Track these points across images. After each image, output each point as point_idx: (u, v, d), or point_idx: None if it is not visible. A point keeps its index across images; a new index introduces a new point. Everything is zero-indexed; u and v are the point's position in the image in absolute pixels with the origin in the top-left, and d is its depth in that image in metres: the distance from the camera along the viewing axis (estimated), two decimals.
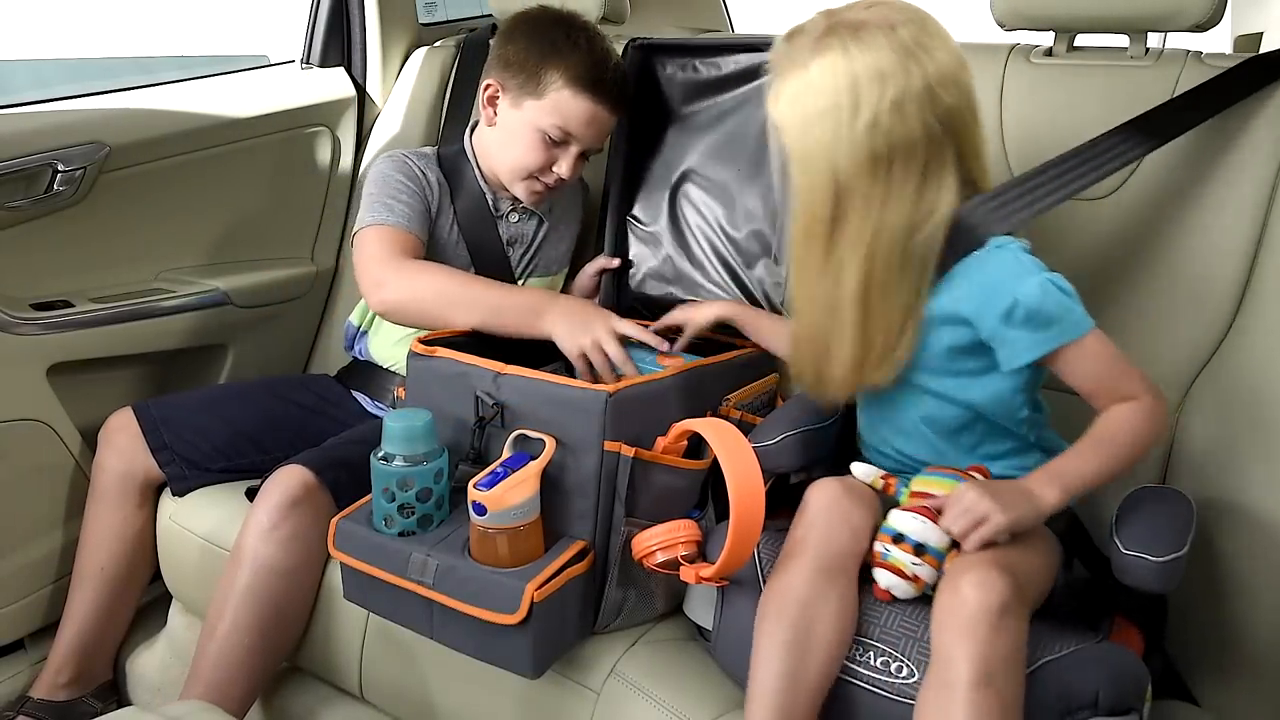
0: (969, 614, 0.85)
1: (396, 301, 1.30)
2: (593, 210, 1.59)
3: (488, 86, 1.41)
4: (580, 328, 1.22)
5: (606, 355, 1.21)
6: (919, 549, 0.96)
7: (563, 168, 1.39)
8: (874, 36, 0.94)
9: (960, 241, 0.98)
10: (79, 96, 1.56)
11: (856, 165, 0.95)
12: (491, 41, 1.47)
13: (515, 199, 1.45)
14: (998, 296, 0.95)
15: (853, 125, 0.94)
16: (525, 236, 1.48)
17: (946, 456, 1.06)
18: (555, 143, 1.37)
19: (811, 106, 0.96)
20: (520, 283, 1.47)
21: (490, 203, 1.45)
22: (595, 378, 1.22)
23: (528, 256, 1.49)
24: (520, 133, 1.38)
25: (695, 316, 1.31)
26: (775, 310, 1.39)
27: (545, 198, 1.44)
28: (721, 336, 1.32)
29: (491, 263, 1.44)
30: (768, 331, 1.30)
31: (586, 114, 1.36)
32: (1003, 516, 0.91)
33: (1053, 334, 0.95)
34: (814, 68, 0.96)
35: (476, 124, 1.49)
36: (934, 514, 0.96)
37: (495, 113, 1.41)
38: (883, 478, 1.03)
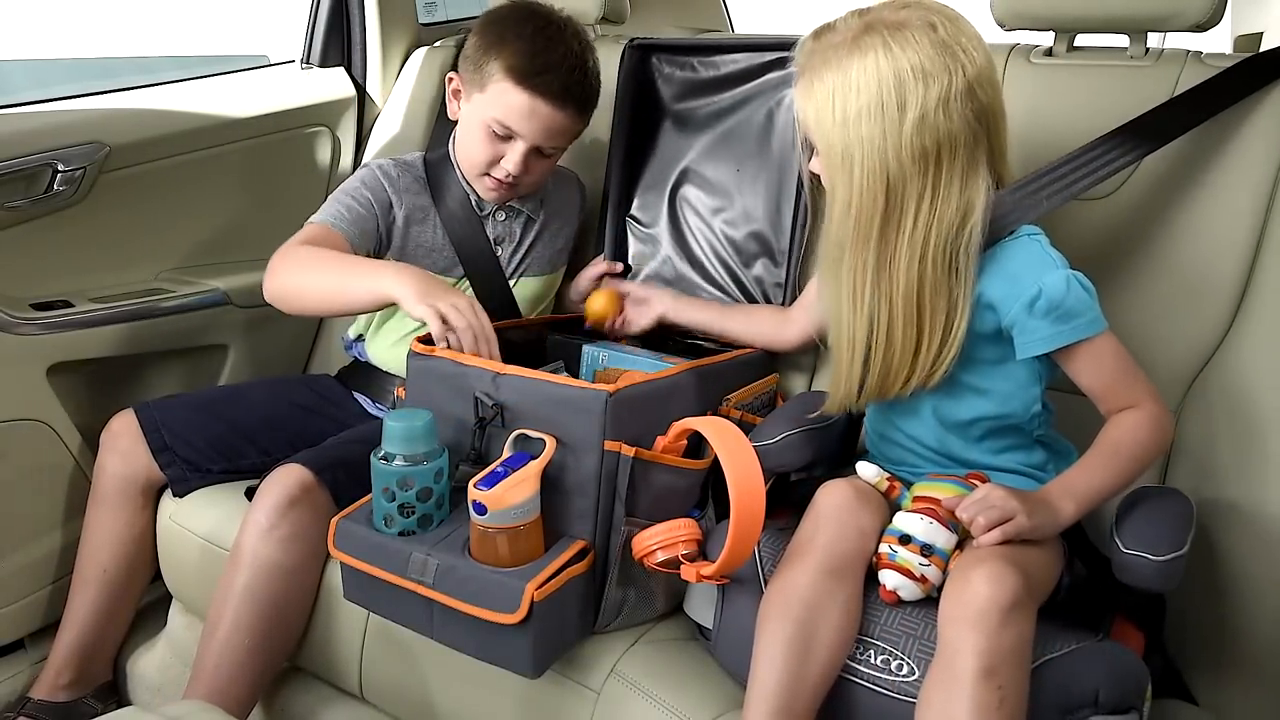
0: (979, 606, 0.85)
1: (271, 288, 1.28)
2: (592, 211, 1.59)
3: (450, 81, 1.42)
4: (431, 290, 1.15)
5: (463, 316, 1.13)
6: (926, 550, 0.96)
7: (510, 163, 1.36)
8: (916, 35, 0.95)
9: (991, 230, 0.99)
10: (79, 96, 1.56)
11: (908, 162, 0.96)
12: None
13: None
14: (1023, 284, 0.97)
15: (900, 122, 0.95)
16: (514, 235, 1.48)
17: (951, 446, 1.06)
18: (500, 137, 1.36)
19: (854, 104, 0.96)
20: (513, 282, 1.47)
21: (474, 203, 1.45)
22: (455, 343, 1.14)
23: (519, 256, 1.48)
24: (470, 126, 1.38)
25: (639, 320, 1.37)
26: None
27: (506, 195, 1.42)
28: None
29: (479, 263, 1.44)
30: (706, 318, 1.36)
31: (524, 107, 1.33)
32: (1027, 519, 0.92)
33: (1070, 328, 0.97)
34: (854, 66, 0.96)
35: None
36: (940, 516, 0.97)
37: (459, 107, 1.42)
38: (887, 479, 1.04)
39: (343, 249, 1.32)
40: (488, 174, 1.39)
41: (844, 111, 0.97)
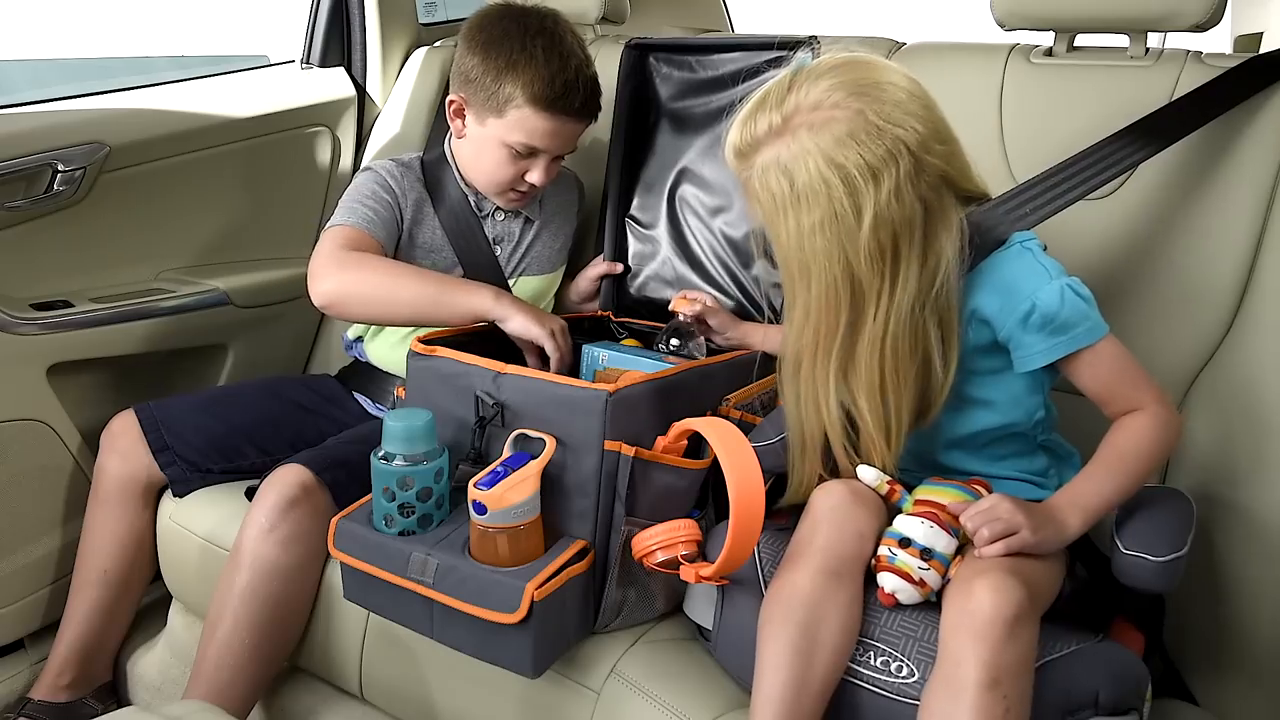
0: (983, 619, 0.85)
1: (332, 293, 1.28)
2: (592, 211, 1.59)
3: (452, 102, 1.41)
4: (540, 315, 1.26)
5: (559, 346, 1.26)
6: (926, 554, 0.95)
7: (535, 176, 1.39)
8: (850, 130, 0.90)
9: (982, 243, 0.97)
10: (79, 96, 1.56)
11: (866, 266, 0.92)
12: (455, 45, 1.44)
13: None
14: (1016, 299, 0.95)
15: (858, 228, 0.91)
16: (513, 235, 1.48)
17: (952, 459, 1.06)
18: (523, 155, 1.37)
19: (807, 219, 0.92)
20: (512, 282, 1.47)
21: (473, 204, 1.45)
22: (543, 366, 1.26)
23: (518, 255, 1.49)
24: (488, 148, 1.38)
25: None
26: (772, 309, 1.39)
27: (526, 201, 1.45)
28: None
29: (479, 263, 1.44)
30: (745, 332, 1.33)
31: (549, 129, 1.35)
32: (1031, 535, 0.91)
33: (1067, 339, 0.95)
34: (800, 177, 0.91)
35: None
36: (941, 520, 0.96)
37: (463, 124, 1.41)
38: (888, 483, 1.03)
39: (377, 253, 1.34)
40: (511, 189, 1.41)
41: (798, 227, 0.93)
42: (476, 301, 1.26)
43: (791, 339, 1.00)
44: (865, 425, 0.99)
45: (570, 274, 1.58)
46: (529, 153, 1.37)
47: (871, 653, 0.95)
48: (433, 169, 1.46)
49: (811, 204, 0.92)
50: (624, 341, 1.45)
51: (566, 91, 1.34)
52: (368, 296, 1.28)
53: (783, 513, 1.13)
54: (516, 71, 1.33)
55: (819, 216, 0.92)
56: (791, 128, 0.93)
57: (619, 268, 1.51)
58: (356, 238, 1.33)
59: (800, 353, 0.99)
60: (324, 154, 1.80)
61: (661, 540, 1.02)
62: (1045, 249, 0.99)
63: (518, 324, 1.24)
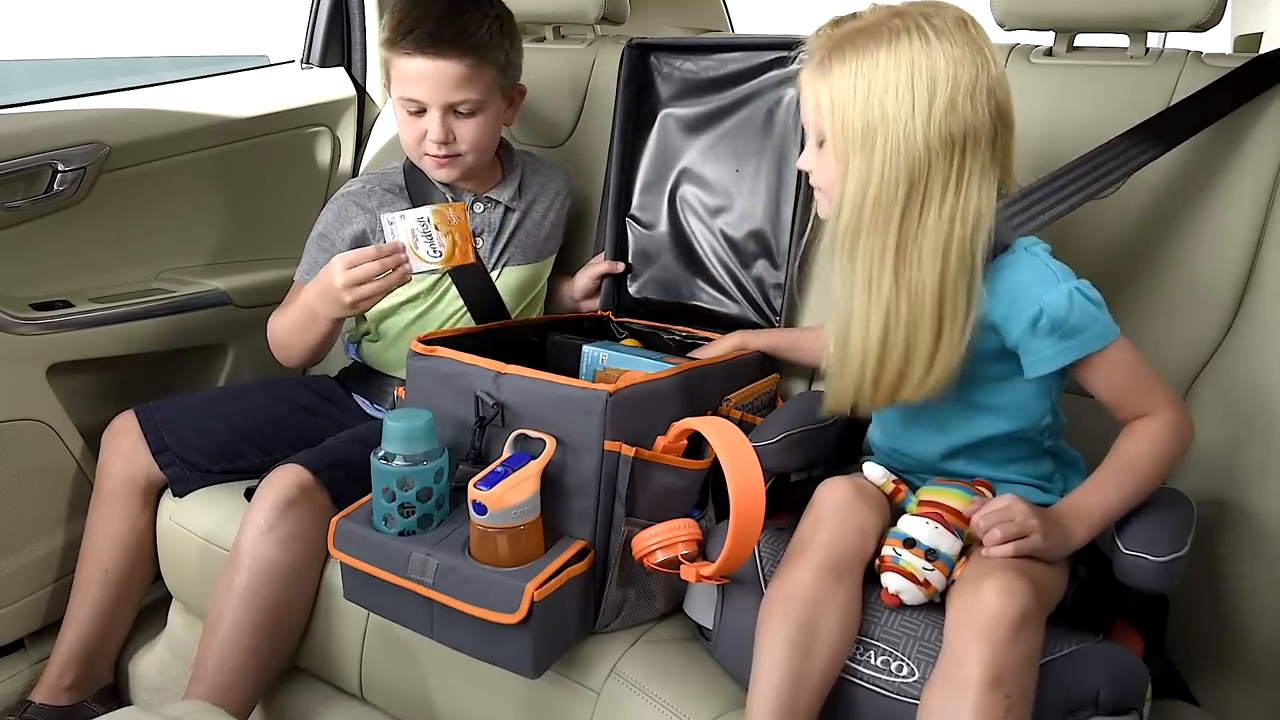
0: (990, 617, 0.85)
1: (275, 352, 1.42)
2: (591, 209, 1.59)
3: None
4: (333, 297, 1.25)
5: (370, 283, 1.23)
6: (930, 554, 0.95)
7: (431, 132, 1.37)
8: (950, 27, 0.93)
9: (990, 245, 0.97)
10: (79, 96, 1.56)
11: (936, 145, 0.92)
12: None
13: (474, 190, 1.46)
14: (1024, 304, 0.95)
15: (930, 103, 0.92)
16: (493, 225, 1.47)
17: (958, 461, 1.06)
18: (415, 114, 1.37)
19: (880, 82, 0.93)
20: (496, 273, 1.46)
21: (448, 198, 1.45)
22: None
23: (500, 245, 1.47)
24: (397, 115, 1.41)
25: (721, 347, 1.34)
26: (773, 310, 1.39)
27: (454, 170, 1.42)
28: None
29: None
30: (796, 345, 1.33)
31: (409, 71, 1.35)
32: (1042, 540, 0.91)
33: (1077, 343, 0.94)
34: (882, 49, 0.93)
35: None
36: (946, 521, 0.96)
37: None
38: (893, 481, 1.03)
39: None
40: (425, 154, 1.40)
41: (869, 89, 0.93)
42: (316, 317, 1.30)
43: (845, 216, 0.96)
44: (914, 333, 0.95)
45: (570, 271, 1.58)
46: (418, 109, 1.37)
47: (872, 652, 0.95)
48: (411, 172, 1.47)
49: (889, 71, 0.93)
50: (624, 341, 1.45)
51: (412, 27, 1.34)
52: (285, 354, 1.40)
53: (783, 513, 1.13)
54: (385, 27, 1.37)
55: (894, 82, 0.92)
56: (900, 10, 0.96)
57: (619, 267, 1.51)
58: (294, 294, 1.42)
59: (855, 228, 0.96)
60: (324, 154, 1.80)
61: (661, 540, 1.02)
62: (1053, 252, 0.99)
63: (344, 314, 1.28)
